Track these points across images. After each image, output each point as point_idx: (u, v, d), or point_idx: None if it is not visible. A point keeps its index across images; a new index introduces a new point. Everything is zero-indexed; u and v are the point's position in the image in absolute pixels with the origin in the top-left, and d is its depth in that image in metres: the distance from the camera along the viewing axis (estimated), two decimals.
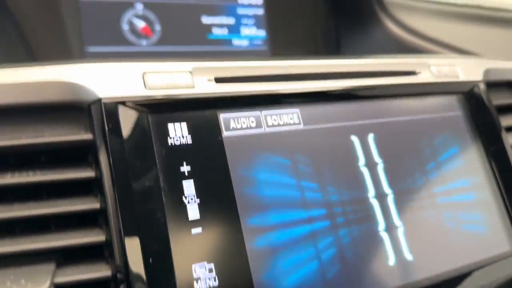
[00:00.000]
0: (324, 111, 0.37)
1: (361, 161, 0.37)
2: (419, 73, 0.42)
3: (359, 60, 0.39)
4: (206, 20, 0.66)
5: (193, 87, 0.32)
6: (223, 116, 0.33)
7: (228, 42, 0.67)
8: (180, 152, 0.30)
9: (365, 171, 0.36)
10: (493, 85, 0.44)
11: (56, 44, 0.56)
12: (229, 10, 0.68)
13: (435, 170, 0.39)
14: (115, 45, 0.60)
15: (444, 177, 0.40)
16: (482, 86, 0.44)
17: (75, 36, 0.58)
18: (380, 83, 0.39)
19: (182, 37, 0.64)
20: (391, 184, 0.37)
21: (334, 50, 0.71)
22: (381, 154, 0.37)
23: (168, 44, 0.63)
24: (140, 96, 0.30)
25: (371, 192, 0.36)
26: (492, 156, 0.41)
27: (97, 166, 0.29)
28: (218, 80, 0.33)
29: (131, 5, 0.61)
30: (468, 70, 0.44)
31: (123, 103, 0.30)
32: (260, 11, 0.70)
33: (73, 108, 0.30)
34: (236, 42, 0.68)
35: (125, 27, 0.61)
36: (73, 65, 0.30)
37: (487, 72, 0.46)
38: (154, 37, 0.62)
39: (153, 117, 0.30)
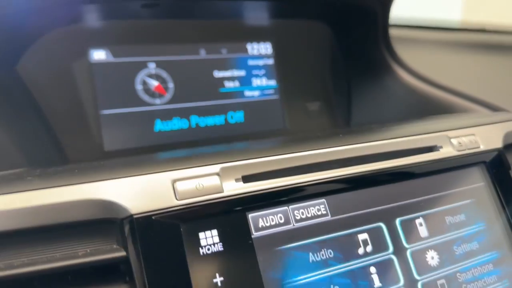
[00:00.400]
0: (349, 198, 0.37)
1: (390, 248, 0.36)
2: (441, 147, 0.42)
3: (381, 142, 0.39)
4: (217, 74, 0.66)
5: (222, 191, 0.32)
6: (251, 216, 0.33)
7: (239, 94, 0.67)
8: (212, 261, 0.30)
9: (394, 259, 0.36)
10: None
11: (71, 110, 0.56)
12: (240, 63, 0.68)
13: (461, 248, 0.39)
14: (129, 106, 0.60)
15: (470, 254, 0.39)
16: (503, 153, 0.44)
17: (89, 100, 0.58)
18: (403, 163, 0.39)
19: (195, 93, 0.65)
20: (419, 271, 0.37)
21: (345, 98, 0.71)
22: (408, 239, 0.37)
23: (182, 102, 0.63)
24: (171, 207, 0.30)
25: (401, 281, 0.36)
26: None
27: (130, 279, 0.29)
28: (245, 179, 0.33)
29: (144, 65, 0.61)
30: (488, 138, 0.44)
31: (155, 216, 0.30)
32: (270, 61, 0.70)
33: (105, 223, 0.30)
34: (248, 93, 0.68)
35: (139, 87, 0.61)
36: (105, 182, 0.30)
37: (507, 136, 0.46)
38: (168, 95, 0.63)
39: (185, 227, 0.30)
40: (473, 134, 0.44)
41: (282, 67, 0.71)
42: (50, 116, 0.53)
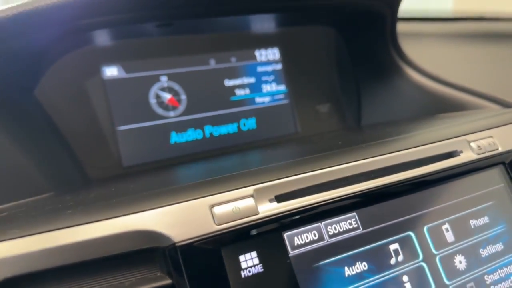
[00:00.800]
0: (378, 210, 0.37)
1: (420, 256, 0.37)
2: (461, 152, 0.43)
3: (403, 152, 0.40)
4: (228, 83, 0.67)
5: (258, 212, 0.33)
6: (287, 235, 0.34)
7: (251, 101, 0.68)
8: (254, 283, 0.31)
9: (424, 266, 0.37)
10: None
11: (88, 128, 0.57)
12: (250, 70, 0.68)
13: (487, 251, 0.40)
14: (144, 121, 0.61)
15: (495, 256, 0.41)
16: None
17: (105, 117, 0.58)
18: (426, 171, 0.40)
19: (207, 103, 0.65)
20: (448, 276, 0.38)
21: (355, 98, 0.72)
22: (436, 245, 0.38)
23: (195, 113, 0.64)
24: (211, 233, 0.31)
25: (433, 287, 0.37)
26: None
27: None
28: (279, 198, 0.34)
29: (156, 79, 0.62)
30: (506, 138, 0.45)
31: (197, 242, 0.30)
32: (279, 66, 0.71)
33: (148, 251, 0.30)
34: (259, 100, 0.69)
35: (152, 101, 0.61)
36: (146, 212, 0.30)
37: None
38: (181, 107, 0.63)
39: (225, 251, 0.31)
40: (491, 136, 0.45)
41: (291, 71, 0.71)
42: (69, 136, 0.54)
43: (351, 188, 0.37)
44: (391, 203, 0.38)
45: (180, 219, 0.31)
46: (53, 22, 0.38)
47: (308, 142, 0.59)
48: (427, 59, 0.69)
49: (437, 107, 0.64)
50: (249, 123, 0.68)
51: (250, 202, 0.33)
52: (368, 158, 0.38)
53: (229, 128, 0.66)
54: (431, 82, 0.64)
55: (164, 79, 0.62)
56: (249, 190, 0.34)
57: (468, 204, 0.42)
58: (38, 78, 0.49)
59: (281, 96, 0.71)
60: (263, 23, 0.69)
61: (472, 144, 0.44)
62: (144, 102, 0.61)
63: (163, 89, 0.62)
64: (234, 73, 0.67)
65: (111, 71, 0.60)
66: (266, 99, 0.69)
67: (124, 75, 0.60)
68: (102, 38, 0.53)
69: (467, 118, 0.53)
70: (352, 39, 0.68)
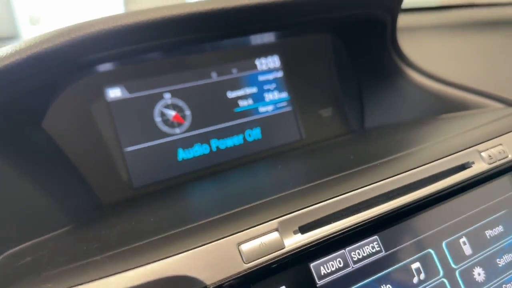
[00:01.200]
0: (398, 230, 0.38)
1: (441, 272, 0.38)
2: (473, 163, 0.43)
3: (417, 169, 0.40)
4: (231, 94, 0.66)
5: (284, 246, 0.33)
6: (313, 266, 0.34)
7: (254, 111, 0.68)
8: None
9: (446, 282, 0.38)
10: None
11: (96, 153, 0.57)
12: (251, 80, 0.68)
13: (503, 260, 0.41)
14: (151, 140, 0.61)
15: (511, 265, 0.42)
16: None
17: (112, 140, 0.58)
18: (441, 187, 0.41)
19: (212, 116, 0.65)
20: None
21: (357, 102, 0.72)
22: (455, 260, 0.39)
23: (200, 128, 0.64)
24: (241, 272, 0.31)
25: None
26: None
27: None
28: (302, 229, 0.35)
29: (160, 97, 0.62)
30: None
31: (227, 282, 0.31)
32: (280, 74, 0.71)
33: None
34: (262, 109, 0.69)
35: (158, 119, 0.61)
36: (176, 257, 0.31)
37: None
38: (186, 123, 0.63)
39: None
40: (500, 144, 0.46)
41: (292, 78, 0.71)
42: (79, 164, 0.54)
43: (372, 212, 0.37)
44: (410, 221, 0.39)
45: (210, 260, 0.31)
46: (62, 60, 0.38)
47: (316, 153, 0.59)
48: (420, 55, 0.70)
49: (439, 107, 0.65)
50: (254, 134, 0.68)
51: (275, 236, 0.34)
52: (385, 179, 0.39)
53: (235, 140, 0.66)
54: (432, 82, 0.65)
55: (167, 96, 0.62)
56: (274, 224, 0.34)
57: (482, 214, 0.43)
58: (45, 110, 0.49)
59: (284, 103, 0.71)
60: (263, 37, 0.69)
61: (483, 154, 0.44)
62: (149, 121, 0.61)
63: (167, 107, 0.62)
64: (236, 84, 0.67)
65: (114, 93, 0.59)
66: (270, 107, 0.69)
67: (127, 95, 0.60)
68: (106, 66, 0.53)
69: (473, 122, 0.54)
70: (352, 44, 0.68)
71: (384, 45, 0.65)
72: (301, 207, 0.35)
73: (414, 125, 0.61)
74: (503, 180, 0.45)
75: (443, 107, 0.64)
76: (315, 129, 0.72)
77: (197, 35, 0.46)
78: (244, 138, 0.67)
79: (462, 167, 0.44)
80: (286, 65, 0.71)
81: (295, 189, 0.39)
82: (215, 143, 0.65)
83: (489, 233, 0.42)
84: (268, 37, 0.70)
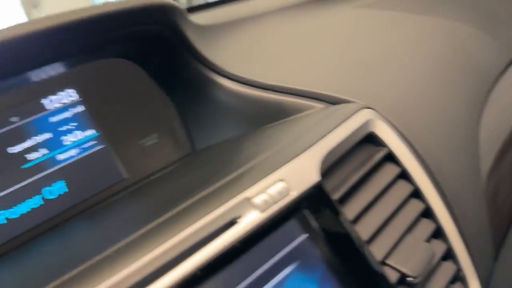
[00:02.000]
0: None
1: None
2: (239, 217, 0.34)
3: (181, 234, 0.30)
4: (13, 149, 0.54)
5: None
6: None
7: (51, 161, 0.56)
8: None
9: None
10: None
11: None
12: (39, 125, 0.56)
13: None
14: None
15: None
16: (321, 187, 0.37)
17: None
18: (215, 251, 0.31)
19: None
20: None
21: (181, 123, 0.62)
22: None
23: None
24: None
25: None
26: None
27: None
28: None
29: None
30: (300, 176, 0.37)
31: None
32: (80, 108, 0.59)
33: None
34: (61, 156, 0.57)
35: None
36: None
37: (324, 161, 0.39)
38: None
39: None
40: (281, 180, 0.36)
41: (98, 110, 0.60)
42: None
43: None
44: None
45: None
46: None
47: (140, 193, 0.48)
48: (236, 56, 0.59)
49: (262, 115, 0.55)
50: (56, 189, 0.56)
51: None
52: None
53: (31, 204, 0.54)
54: (247, 88, 0.55)
55: None
56: None
57: (272, 272, 0.34)
58: None
59: (93, 142, 0.59)
60: (48, 69, 0.57)
61: (256, 200, 0.35)
62: None
63: None
64: (19, 136, 0.55)
65: None
66: (72, 152, 0.58)
67: None
68: None
69: (283, 136, 0.45)
70: (152, 67, 0.57)
71: (186, 60, 0.54)
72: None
73: (223, 149, 0.51)
74: (292, 223, 0.36)
75: (264, 116, 0.55)
76: (139, 163, 0.61)
77: None
78: (43, 198, 0.55)
79: (231, 223, 0.34)
80: (87, 98, 0.59)
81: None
82: (3, 215, 0.53)
83: None
84: (55, 68, 0.58)
